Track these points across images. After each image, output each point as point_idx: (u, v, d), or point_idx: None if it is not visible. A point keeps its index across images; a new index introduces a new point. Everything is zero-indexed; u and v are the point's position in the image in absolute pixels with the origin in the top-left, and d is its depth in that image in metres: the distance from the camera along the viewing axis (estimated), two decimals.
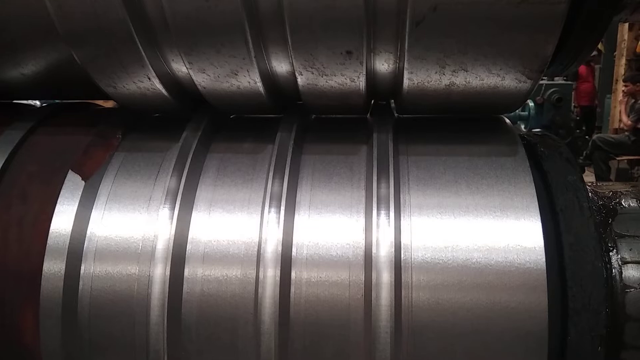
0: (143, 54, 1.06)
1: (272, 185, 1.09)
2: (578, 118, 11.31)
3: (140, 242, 1.08)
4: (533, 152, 1.17)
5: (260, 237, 1.05)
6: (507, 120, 1.28)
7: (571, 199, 1.08)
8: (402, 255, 1.02)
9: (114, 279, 1.06)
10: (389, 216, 1.03)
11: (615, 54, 10.56)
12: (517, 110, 1.50)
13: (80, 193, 1.11)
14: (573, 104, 10.85)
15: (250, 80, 1.11)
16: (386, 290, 0.99)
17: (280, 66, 1.11)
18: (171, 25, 1.00)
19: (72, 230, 1.07)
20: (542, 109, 9.36)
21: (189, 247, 1.07)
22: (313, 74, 1.08)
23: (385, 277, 0.99)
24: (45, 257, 1.05)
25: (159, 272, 1.03)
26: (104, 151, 1.21)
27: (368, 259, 1.02)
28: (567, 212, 1.07)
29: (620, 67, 10.02)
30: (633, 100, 8.38)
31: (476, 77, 1.05)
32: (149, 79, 1.11)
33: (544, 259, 1.00)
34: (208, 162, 1.18)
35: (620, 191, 1.26)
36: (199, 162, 1.16)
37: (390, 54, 1.06)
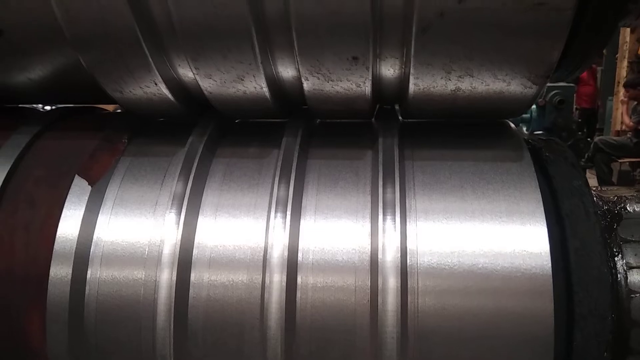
0: (150, 59, 1.06)
1: (278, 190, 1.09)
2: (580, 120, 11.30)
3: (146, 247, 1.08)
4: (538, 156, 1.17)
5: (266, 242, 1.06)
6: (512, 125, 1.29)
7: (577, 204, 1.08)
8: (408, 261, 1.02)
9: (120, 284, 1.07)
10: (395, 221, 1.04)
11: (617, 56, 10.57)
12: None
13: (87, 197, 1.11)
14: (575, 106, 10.84)
15: (256, 86, 1.11)
16: (392, 296, 0.99)
17: (286, 71, 1.12)
18: (178, 31, 1.01)
19: (79, 234, 1.08)
20: (544, 111, 9.35)
21: (195, 252, 1.07)
22: (319, 79, 1.08)
23: (391, 282, 0.99)
24: (52, 261, 1.06)
25: (166, 277, 1.03)
26: (110, 156, 1.21)
27: (374, 264, 1.02)
28: (572, 217, 1.07)
29: (622, 70, 10.03)
30: (635, 103, 8.38)
31: (482, 83, 1.06)
32: (156, 84, 1.12)
33: (550, 265, 1.00)
34: (214, 166, 1.18)
35: (625, 196, 1.26)
36: (205, 166, 1.17)
37: (396, 59, 1.06)
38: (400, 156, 1.13)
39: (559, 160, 1.16)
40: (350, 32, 0.98)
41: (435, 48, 0.99)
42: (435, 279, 1.01)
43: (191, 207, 1.09)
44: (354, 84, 1.09)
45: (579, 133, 10.31)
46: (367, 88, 1.10)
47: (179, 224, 1.06)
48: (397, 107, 1.35)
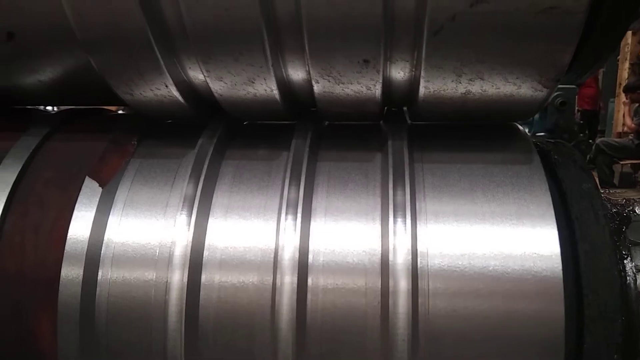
0: (161, 62, 1.06)
1: (288, 192, 1.09)
2: (582, 122, 11.29)
3: (157, 249, 1.08)
4: (546, 159, 1.17)
5: (277, 244, 1.06)
6: (521, 128, 1.29)
7: (586, 207, 1.08)
8: (418, 263, 1.02)
9: (131, 285, 1.07)
10: (405, 223, 1.04)
11: (618, 57, 10.58)
12: None
13: (97, 199, 1.11)
14: (577, 108, 10.84)
15: (266, 88, 1.11)
16: (404, 298, 0.99)
17: (297, 74, 1.12)
18: (190, 34, 1.01)
19: (90, 236, 1.08)
20: (545, 113, 9.34)
21: (205, 253, 1.07)
22: (329, 82, 1.08)
23: (402, 284, 1.00)
24: (64, 262, 1.06)
25: (177, 278, 1.03)
26: (119, 157, 1.21)
27: (385, 266, 1.02)
28: (582, 220, 1.07)
29: (624, 72, 10.04)
30: (637, 104, 8.38)
31: (492, 86, 1.06)
32: (166, 86, 1.12)
33: (560, 267, 1.00)
34: (223, 168, 1.19)
35: (633, 199, 1.26)
36: (215, 168, 1.17)
37: (406, 62, 1.07)
38: (409, 158, 1.13)
39: (568, 163, 1.16)
40: (361, 35, 0.98)
41: (446, 51, 0.99)
42: (446, 281, 1.02)
43: (202, 208, 1.09)
44: (364, 86, 1.09)
45: (581, 135, 10.30)
46: (377, 91, 1.10)
47: (190, 225, 1.07)
48: (404, 108, 1.35)
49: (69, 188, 1.16)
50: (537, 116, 9.33)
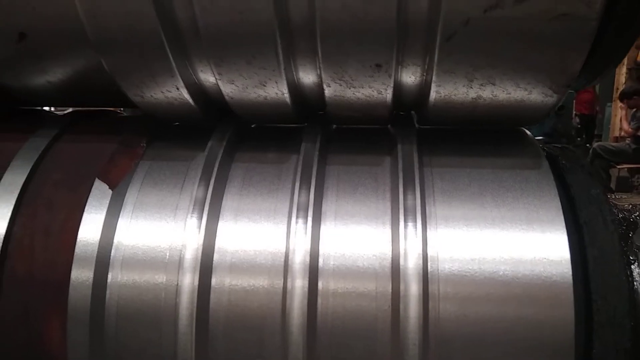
0: (173, 64, 1.06)
1: (298, 196, 1.10)
2: (579, 126, 11.33)
3: (167, 251, 1.08)
4: (554, 164, 1.18)
5: (287, 248, 1.06)
6: (529, 133, 1.29)
7: (595, 212, 1.09)
8: (429, 267, 1.03)
9: (141, 288, 1.07)
10: (416, 227, 1.04)
11: None
12: None
13: (107, 201, 1.11)
14: (574, 112, 10.88)
15: (277, 92, 1.11)
16: (414, 302, 0.99)
17: (308, 78, 1.12)
18: (203, 36, 1.01)
19: (100, 238, 1.07)
20: None
21: (216, 256, 1.07)
22: (341, 85, 1.08)
23: (413, 288, 1.00)
24: (74, 265, 1.06)
25: (188, 281, 1.03)
26: (129, 159, 1.21)
27: (395, 270, 1.03)
28: (591, 225, 1.07)
29: (621, 76, 10.07)
30: (634, 109, 8.42)
31: (503, 91, 1.06)
32: (177, 88, 1.12)
33: (570, 272, 1.01)
34: (233, 171, 1.19)
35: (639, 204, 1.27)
36: (225, 171, 1.17)
37: (418, 67, 1.07)
38: (419, 162, 1.14)
39: (575, 168, 1.16)
40: (374, 39, 0.99)
41: (458, 56, 1.00)
42: (456, 286, 1.02)
43: (212, 211, 1.09)
44: (375, 91, 1.09)
45: (578, 139, 10.35)
46: (388, 95, 1.10)
47: (200, 228, 1.07)
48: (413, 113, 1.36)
49: (78, 190, 1.15)
50: None
